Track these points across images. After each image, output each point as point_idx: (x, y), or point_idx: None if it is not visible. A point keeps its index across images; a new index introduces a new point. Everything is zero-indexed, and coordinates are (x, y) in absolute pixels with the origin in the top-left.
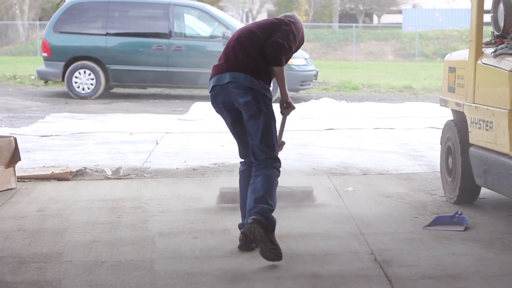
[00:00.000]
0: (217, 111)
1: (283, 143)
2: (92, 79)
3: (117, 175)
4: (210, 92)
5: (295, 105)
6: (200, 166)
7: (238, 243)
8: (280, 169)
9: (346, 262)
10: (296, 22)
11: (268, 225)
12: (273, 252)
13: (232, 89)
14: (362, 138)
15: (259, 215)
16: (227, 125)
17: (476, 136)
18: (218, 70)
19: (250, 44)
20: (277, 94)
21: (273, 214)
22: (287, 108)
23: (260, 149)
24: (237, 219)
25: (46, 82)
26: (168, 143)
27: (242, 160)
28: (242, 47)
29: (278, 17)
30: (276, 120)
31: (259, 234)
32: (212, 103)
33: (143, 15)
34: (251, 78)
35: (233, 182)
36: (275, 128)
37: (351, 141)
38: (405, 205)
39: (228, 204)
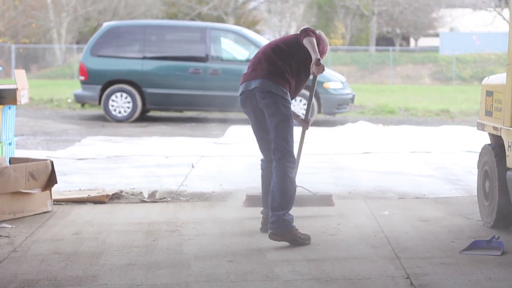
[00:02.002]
0: (245, 112)
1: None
2: (129, 102)
3: (153, 198)
4: (239, 96)
5: (331, 128)
6: (236, 189)
7: (273, 267)
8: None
9: (382, 286)
10: (321, 36)
11: (284, 230)
12: (296, 243)
13: (256, 92)
14: (399, 161)
15: (274, 227)
16: (252, 125)
17: None
18: (246, 78)
19: (274, 56)
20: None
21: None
22: (317, 66)
23: (276, 143)
24: (273, 243)
25: (83, 105)
26: (204, 166)
27: (263, 158)
28: (267, 58)
29: None
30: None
31: (279, 240)
32: (241, 106)
33: (180, 38)
34: (273, 84)
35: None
36: (292, 128)
37: (387, 165)
38: (441, 229)
39: (254, 207)
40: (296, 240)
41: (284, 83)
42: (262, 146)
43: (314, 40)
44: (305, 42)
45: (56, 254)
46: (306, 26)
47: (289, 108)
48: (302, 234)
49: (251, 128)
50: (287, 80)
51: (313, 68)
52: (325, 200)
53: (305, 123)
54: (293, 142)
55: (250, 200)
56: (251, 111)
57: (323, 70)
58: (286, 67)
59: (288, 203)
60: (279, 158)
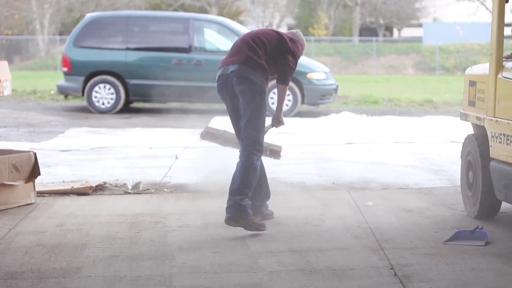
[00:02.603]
0: (221, 98)
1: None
2: (112, 93)
3: (137, 189)
4: (216, 81)
5: (315, 118)
6: (220, 180)
7: (258, 258)
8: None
9: (366, 277)
10: (298, 40)
11: (239, 215)
12: (250, 229)
13: (233, 77)
14: (382, 152)
15: (231, 211)
16: (228, 111)
17: (496, 150)
18: (224, 63)
19: (255, 45)
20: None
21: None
22: (278, 124)
23: (245, 131)
24: (257, 234)
25: (66, 96)
26: (188, 157)
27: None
28: (246, 45)
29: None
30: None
31: (234, 225)
32: (218, 91)
33: (163, 29)
34: (250, 70)
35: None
36: (264, 118)
37: (371, 155)
38: (425, 220)
39: (209, 141)
40: (251, 226)
41: (262, 72)
42: (239, 131)
43: (285, 93)
44: (280, 89)
45: (39, 246)
46: (292, 53)
47: (264, 97)
48: (258, 220)
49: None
50: (265, 70)
51: (273, 123)
52: (275, 153)
53: (276, 121)
54: (263, 131)
55: (206, 134)
56: (227, 96)
57: (282, 125)
58: (265, 58)
59: (247, 190)
60: (246, 145)
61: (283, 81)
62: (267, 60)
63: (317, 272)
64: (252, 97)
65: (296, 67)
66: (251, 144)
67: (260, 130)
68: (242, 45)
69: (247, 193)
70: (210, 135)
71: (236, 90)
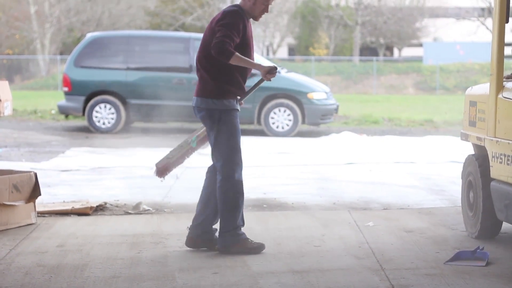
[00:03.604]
0: None
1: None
2: (113, 113)
3: (137, 210)
4: None
5: (316, 138)
6: None
7: (258, 279)
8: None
9: None
10: (231, 9)
11: (235, 247)
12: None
13: (195, 111)
14: (383, 172)
15: (220, 246)
16: None
17: (497, 170)
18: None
19: (199, 63)
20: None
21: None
22: (271, 74)
23: (215, 158)
24: (257, 254)
25: (66, 116)
26: (188, 177)
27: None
28: (197, 68)
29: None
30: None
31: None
32: None
33: (164, 49)
34: (202, 99)
35: (257, 217)
36: (231, 134)
37: (371, 175)
38: (426, 240)
39: (171, 171)
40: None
41: (212, 93)
42: None
43: (238, 55)
44: (234, 62)
45: (40, 267)
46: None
47: (225, 115)
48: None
49: None
50: (214, 88)
51: (266, 76)
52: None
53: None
54: (235, 150)
55: (160, 169)
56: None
57: (273, 75)
58: (210, 62)
59: (228, 221)
60: (219, 185)
61: (225, 59)
62: (213, 61)
63: None
64: (211, 125)
65: (231, 35)
66: (219, 174)
67: (229, 151)
68: (196, 69)
69: (227, 227)
70: (164, 167)
71: (199, 119)
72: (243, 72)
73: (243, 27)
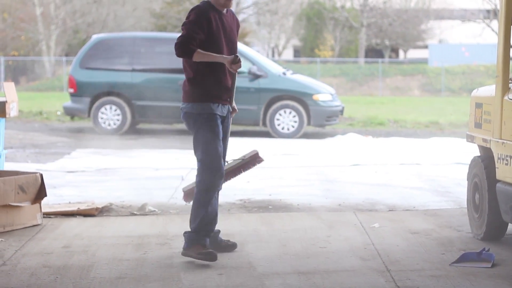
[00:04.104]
0: None
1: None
2: (118, 115)
3: (143, 211)
4: None
5: (321, 140)
6: (226, 202)
7: (264, 280)
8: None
9: None
10: (194, 6)
11: (189, 250)
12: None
13: None
14: (388, 174)
15: (184, 246)
16: None
17: (503, 172)
18: None
19: (183, 67)
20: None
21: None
22: (236, 64)
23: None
24: (263, 255)
25: (72, 117)
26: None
27: None
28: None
29: None
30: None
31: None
32: None
33: (169, 50)
34: (183, 102)
35: (263, 218)
36: (208, 136)
37: (377, 177)
38: (431, 242)
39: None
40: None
41: (188, 97)
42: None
43: (200, 52)
44: (197, 60)
45: (45, 268)
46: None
47: (200, 118)
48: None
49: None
50: (189, 91)
51: (232, 68)
52: (255, 159)
53: (232, 110)
54: (211, 156)
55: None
56: None
57: (241, 66)
58: (189, 75)
59: (196, 222)
60: (196, 187)
61: (186, 57)
62: (189, 64)
63: None
64: (189, 128)
65: (188, 33)
66: (197, 176)
67: (204, 156)
68: None
69: (194, 228)
70: (191, 191)
71: None
72: (219, 74)
73: (207, 22)
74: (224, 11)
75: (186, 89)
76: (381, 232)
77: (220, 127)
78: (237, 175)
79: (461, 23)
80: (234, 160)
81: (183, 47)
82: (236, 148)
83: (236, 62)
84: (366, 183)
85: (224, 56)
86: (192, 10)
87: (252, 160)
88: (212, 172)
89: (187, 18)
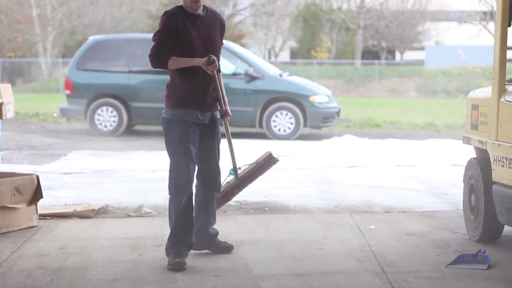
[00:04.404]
0: None
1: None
2: (115, 116)
3: (139, 213)
4: None
5: (317, 141)
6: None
7: (260, 282)
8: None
9: None
10: (163, 13)
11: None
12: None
13: None
14: (385, 175)
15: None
16: None
17: (499, 173)
18: None
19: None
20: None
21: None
22: (211, 65)
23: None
24: (259, 257)
25: (68, 119)
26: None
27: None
28: None
29: None
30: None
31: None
32: None
33: None
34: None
35: (259, 220)
36: (170, 153)
37: (373, 179)
38: (427, 243)
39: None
40: None
41: (166, 103)
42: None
43: (174, 59)
44: (173, 66)
45: (41, 269)
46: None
47: (169, 124)
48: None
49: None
50: (168, 97)
51: (208, 69)
52: (269, 160)
53: (225, 114)
54: (177, 165)
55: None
56: None
57: (216, 66)
58: (169, 81)
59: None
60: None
61: (161, 67)
62: (173, 74)
63: None
64: (164, 132)
65: (158, 42)
66: (169, 179)
67: (171, 164)
68: None
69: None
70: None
71: None
72: (194, 78)
73: (174, 27)
74: (202, 13)
75: (164, 94)
76: (377, 234)
77: (193, 135)
78: (254, 180)
79: (457, 24)
80: (249, 165)
81: (156, 58)
82: (235, 149)
83: (211, 63)
84: (362, 184)
85: (198, 59)
86: (160, 17)
87: (266, 162)
88: (177, 187)
89: (158, 29)
